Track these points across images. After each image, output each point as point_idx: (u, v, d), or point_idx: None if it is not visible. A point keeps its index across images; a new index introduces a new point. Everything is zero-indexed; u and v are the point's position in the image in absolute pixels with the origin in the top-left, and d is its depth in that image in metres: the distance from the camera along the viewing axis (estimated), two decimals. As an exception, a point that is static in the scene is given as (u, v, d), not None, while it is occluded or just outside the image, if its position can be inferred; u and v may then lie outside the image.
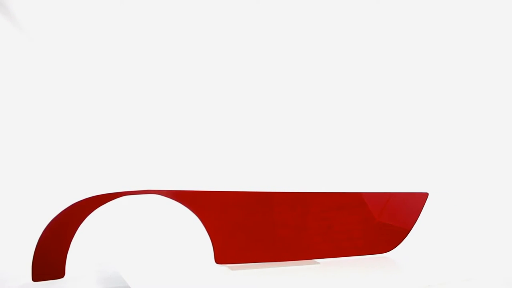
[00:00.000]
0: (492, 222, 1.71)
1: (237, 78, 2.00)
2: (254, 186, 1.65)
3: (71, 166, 1.69)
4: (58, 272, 0.99)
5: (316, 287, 0.96)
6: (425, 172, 1.90)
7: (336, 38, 2.03)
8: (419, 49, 2.00)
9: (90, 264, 1.21)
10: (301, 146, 2.00)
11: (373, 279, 1.06)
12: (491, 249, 1.51)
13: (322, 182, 1.91)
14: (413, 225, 1.37)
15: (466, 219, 1.75)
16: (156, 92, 1.89)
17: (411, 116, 2.02)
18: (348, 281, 1.04)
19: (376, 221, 1.32)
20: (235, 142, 1.94)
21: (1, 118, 1.56)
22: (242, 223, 1.15)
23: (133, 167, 1.79)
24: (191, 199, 1.09)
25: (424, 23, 1.96)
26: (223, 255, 1.11)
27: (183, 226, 1.41)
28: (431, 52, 1.98)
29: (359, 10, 1.96)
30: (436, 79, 1.99)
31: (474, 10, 1.86)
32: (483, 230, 1.68)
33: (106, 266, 1.19)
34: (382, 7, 1.95)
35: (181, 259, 1.25)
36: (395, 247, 1.35)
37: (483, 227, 1.69)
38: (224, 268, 1.10)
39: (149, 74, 1.88)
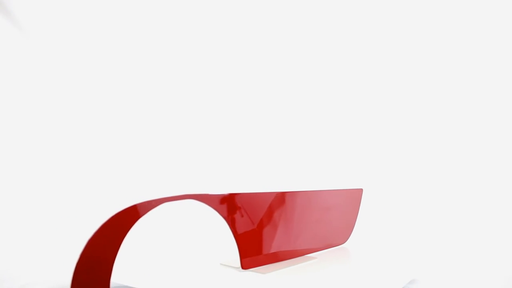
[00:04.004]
0: (424, 213, 1.98)
1: (248, 87, 2.15)
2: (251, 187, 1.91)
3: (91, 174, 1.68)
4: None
5: (343, 275, 1.09)
6: (357, 170, 2.12)
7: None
8: (347, 53, 2.12)
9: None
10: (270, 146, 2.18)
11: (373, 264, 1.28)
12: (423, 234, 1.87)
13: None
14: (356, 218, 1.61)
15: (398, 211, 2.01)
16: (183, 101, 1.97)
17: (343, 119, 2.21)
18: (353, 268, 1.19)
19: (333, 216, 1.50)
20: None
21: (4, 119, 1.44)
22: (268, 224, 1.16)
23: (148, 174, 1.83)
24: (220, 202, 1.05)
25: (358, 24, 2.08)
26: (248, 261, 1.10)
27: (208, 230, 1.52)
28: (360, 54, 2.10)
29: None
30: (368, 80, 2.11)
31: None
32: (414, 221, 1.96)
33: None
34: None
35: (205, 263, 1.25)
36: (347, 238, 1.56)
37: (413, 218, 1.97)
38: (250, 272, 1.08)
39: (174, 81, 1.93)
